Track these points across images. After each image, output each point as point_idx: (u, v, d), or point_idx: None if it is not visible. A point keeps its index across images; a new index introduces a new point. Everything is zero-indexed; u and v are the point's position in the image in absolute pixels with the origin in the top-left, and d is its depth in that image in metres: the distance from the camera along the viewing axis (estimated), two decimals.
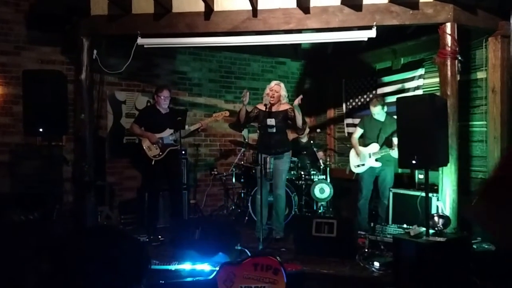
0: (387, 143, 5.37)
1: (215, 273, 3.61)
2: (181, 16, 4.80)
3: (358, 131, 5.66)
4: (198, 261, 4.04)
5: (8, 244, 3.61)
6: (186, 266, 4.00)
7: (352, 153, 5.67)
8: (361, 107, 6.95)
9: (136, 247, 1.43)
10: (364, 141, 5.60)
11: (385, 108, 5.42)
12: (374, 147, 5.41)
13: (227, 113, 5.70)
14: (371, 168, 5.43)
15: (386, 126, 5.40)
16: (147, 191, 5.62)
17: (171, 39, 4.97)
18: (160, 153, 5.31)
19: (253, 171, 5.87)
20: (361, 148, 5.53)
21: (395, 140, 5.33)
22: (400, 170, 5.65)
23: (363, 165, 5.48)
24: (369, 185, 5.48)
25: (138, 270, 1.39)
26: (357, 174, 5.59)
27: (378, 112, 5.39)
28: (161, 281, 3.75)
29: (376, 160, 5.37)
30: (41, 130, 4.36)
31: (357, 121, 6.81)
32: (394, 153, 5.24)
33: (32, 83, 4.35)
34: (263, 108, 5.01)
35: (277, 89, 5.06)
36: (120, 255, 1.35)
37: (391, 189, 5.37)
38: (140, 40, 4.85)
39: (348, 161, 5.80)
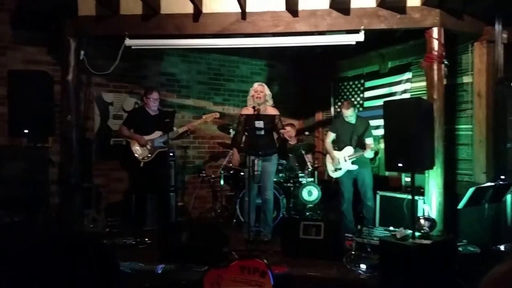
0: (360, 145, 5.40)
1: (202, 276, 3.59)
2: (170, 17, 4.79)
3: (331, 136, 5.68)
4: (185, 264, 4.01)
5: None
6: (173, 269, 3.97)
7: (328, 158, 5.69)
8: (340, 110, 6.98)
9: (103, 255, 1.42)
10: (338, 144, 5.62)
11: (356, 110, 5.46)
12: (349, 150, 5.43)
13: (217, 115, 5.69)
14: (349, 171, 5.45)
15: (357, 128, 5.44)
16: (135, 193, 5.59)
17: (159, 40, 4.97)
18: (149, 155, 5.29)
19: (242, 173, 5.86)
20: (335, 153, 5.55)
21: (367, 141, 5.39)
22: (387, 173, 5.69)
23: (340, 169, 5.49)
24: (349, 188, 5.49)
25: (106, 278, 1.38)
26: (336, 178, 5.62)
27: (351, 115, 5.43)
28: (146, 285, 3.72)
29: (352, 163, 5.40)
30: (26, 131, 4.29)
31: None
32: (368, 154, 5.31)
33: (17, 84, 4.28)
34: (250, 112, 5.02)
35: (261, 89, 5.08)
36: (84, 263, 1.34)
37: (378, 191, 5.39)
38: (128, 41, 4.83)
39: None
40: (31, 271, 1.32)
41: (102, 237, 5.16)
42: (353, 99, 6.89)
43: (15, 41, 5.49)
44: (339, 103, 7.19)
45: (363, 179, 5.44)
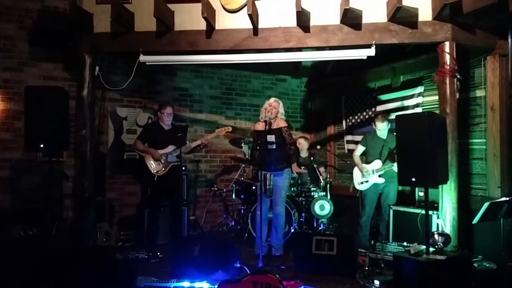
0: (391, 158, 5.36)
1: None
2: (183, 34, 4.86)
3: (360, 149, 5.68)
4: (197, 279, 4.01)
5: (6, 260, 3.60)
6: (185, 283, 3.98)
7: (356, 170, 5.67)
8: (361, 124, 6.98)
9: (120, 270, 1.44)
10: (367, 158, 5.62)
11: (390, 125, 5.43)
12: (377, 163, 5.42)
13: (230, 129, 5.73)
14: (375, 185, 5.44)
15: (388, 143, 5.40)
16: (148, 207, 5.62)
17: (172, 56, 5.03)
18: (163, 169, 5.33)
19: (253, 187, 5.86)
20: (364, 165, 5.54)
21: None
22: (400, 188, 5.65)
23: (366, 181, 5.48)
24: (373, 202, 5.48)
25: None
26: (361, 191, 5.60)
27: (384, 128, 5.41)
28: None
29: (380, 176, 5.38)
30: (42, 146, 4.37)
31: (357, 138, 6.82)
32: (396, 168, 5.25)
33: (34, 99, 4.37)
34: (262, 127, 5.05)
35: (275, 105, 5.11)
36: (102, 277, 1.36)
37: (391, 206, 5.35)
38: (142, 58, 4.91)
39: (350, 178, 5.80)
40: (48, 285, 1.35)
41: (115, 251, 5.19)
42: (364, 113, 6.89)
43: (32, 58, 5.61)
44: (350, 117, 7.20)
45: (387, 193, 5.42)
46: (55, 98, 4.46)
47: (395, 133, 5.38)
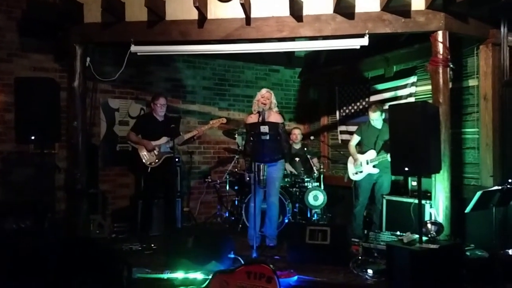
0: (385, 148, 5.37)
1: (208, 281, 3.59)
2: (175, 24, 4.81)
3: (355, 139, 5.68)
4: (191, 270, 4.01)
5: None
6: (179, 274, 3.97)
7: (350, 160, 5.68)
8: (354, 114, 6.98)
9: (115, 261, 1.42)
10: (361, 148, 5.63)
11: (383, 115, 5.43)
12: (372, 153, 5.43)
13: (224, 120, 5.70)
14: (369, 175, 5.45)
15: (383, 133, 5.40)
16: (142, 199, 5.60)
17: (164, 46, 4.98)
18: (156, 161, 5.31)
19: (247, 178, 5.86)
20: (359, 155, 5.55)
21: None
22: (394, 177, 5.66)
23: (361, 172, 5.50)
24: (367, 192, 5.50)
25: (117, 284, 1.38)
26: (355, 181, 5.61)
27: (377, 118, 5.41)
28: None
29: (374, 166, 5.39)
30: (33, 138, 4.31)
31: (350, 128, 6.83)
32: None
33: (24, 91, 4.31)
34: (254, 119, 5.02)
35: (268, 96, 5.08)
36: (97, 268, 1.35)
37: (384, 196, 5.37)
38: (134, 48, 4.85)
39: (343, 169, 5.82)
40: (44, 276, 1.34)
41: (108, 243, 5.18)
42: (358, 103, 6.88)
43: (22, 49, 5.54)
44: (344, 107, 7.19)
45: (381, 183, 5.45)
46: (46, 89, 4.40)
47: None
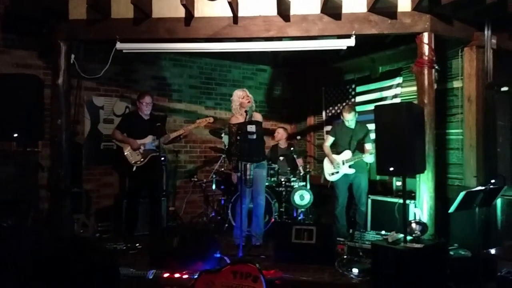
0: (359, 148, 5.43)
1: (193, 281, 3.57)
2: (161, 21, 4.77)
3: (330, 139, 5.72)
4: (176, 270, 3.98)
5: None
6: (164, 274, 3.94)
7: (326, 161, 5.72)
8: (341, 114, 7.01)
9: (106, 260, 1.41)
10: (337, 148, 5.66)
11: (357, 116, 5.49)
12: (347, 154, 5.47)
13: (211, 119, 5.68)
14: (345, 175, 5.49)
15: (357, 133, 5.49)
16: (127, 198, 5.55)
17: (150, 44, 4.94)
18: (142, 159, 5.26)
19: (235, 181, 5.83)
20: (334, 156, 5.58)
21: (367, 146, 5.42)
22: (377, 177, 5.71)
23: (337, 172, 5.53)
24: (345, 192, 5.54)
25: (108, 283, 1.37)
26: (332, 182, 5.63)
27: (352, 119, 5.46)
28: None
29: (350, 166, 5.43)
30: (16, 135, 4.22)
31: None
32: (367, 158, 5.34)
33: (7, 87, 4.22)
34: (240, 119, 5.00)
35: (247, 94, 5.09)
36: (89, 268, 1.33)
37: (369, 196, 5.41)
38: (119, 45, 4.81)
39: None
40: (31, 276, 1.31)
41: (94, 242, 5.11)
42: (344, 104, 6.92)
43: (5, 45, 5.43)
44: (330, 108, 7.22)
45: (359, 183, 5.47)
46: (30, 86, 4.31)
47: (369, 125, 5.49)
